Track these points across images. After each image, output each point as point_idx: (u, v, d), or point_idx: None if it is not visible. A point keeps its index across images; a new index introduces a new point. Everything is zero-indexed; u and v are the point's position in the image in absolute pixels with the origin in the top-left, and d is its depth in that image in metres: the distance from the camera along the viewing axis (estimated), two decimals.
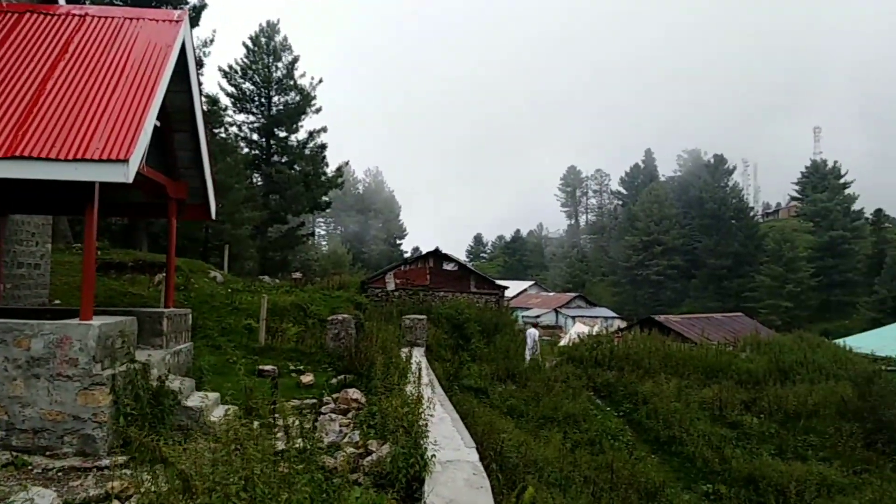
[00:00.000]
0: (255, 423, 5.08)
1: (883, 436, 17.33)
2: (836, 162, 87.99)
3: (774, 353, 25.48)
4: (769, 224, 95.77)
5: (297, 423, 5.37)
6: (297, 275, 29.14)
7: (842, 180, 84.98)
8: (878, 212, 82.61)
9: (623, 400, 18.15)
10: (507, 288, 27.31)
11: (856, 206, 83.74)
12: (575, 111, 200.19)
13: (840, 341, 35.20)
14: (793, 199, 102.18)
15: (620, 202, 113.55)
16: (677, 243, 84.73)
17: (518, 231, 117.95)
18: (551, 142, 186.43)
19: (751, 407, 18.77)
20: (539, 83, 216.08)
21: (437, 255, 25.13)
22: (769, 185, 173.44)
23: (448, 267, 24.68)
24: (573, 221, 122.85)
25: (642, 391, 18.09)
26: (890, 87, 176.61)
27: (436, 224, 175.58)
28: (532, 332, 21.88)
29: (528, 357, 21.73)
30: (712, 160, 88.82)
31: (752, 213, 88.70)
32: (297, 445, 4.86)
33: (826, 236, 76.88)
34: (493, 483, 6.56)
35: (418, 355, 13.85)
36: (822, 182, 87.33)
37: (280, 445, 5.12)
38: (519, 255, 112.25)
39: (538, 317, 58.38)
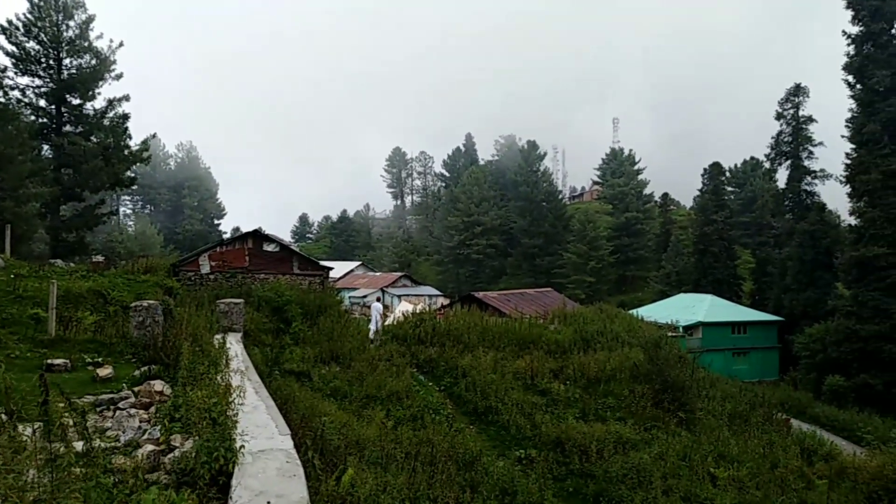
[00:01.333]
0: (23, 428, 4.36)
1: (668, 395, 19.31)
2: (630, 150, 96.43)
3: (579, 325, 27.11)
4: (575, 206, 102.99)
5: (74, 423, 4.67)
6: (99, 258, 26.32)
7: (636, 166, 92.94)
8: (665, 195, 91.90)
9: (444, 375, 18.56)
10: (332, 269, 26.75)
11: (647, 190, 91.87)
12: (401, 94, 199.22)
13: (634, 311, 38.47)
14: (595, 183, 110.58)
15: (444, 184, 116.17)
16: (495, 224, 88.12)
17: (345, 211, 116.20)
18: (379, 124, 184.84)
19: (559, 375, 20.04)
20: (367, 64, 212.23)
21: (257, 236, 24.00)
22: (576, 169, 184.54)
23: (269, 248, 23.65)
24: (399, 202, 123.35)
25: (462, 365, 18.61)
26: (676, 86, 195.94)
27: (260, 204, 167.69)
28: (376, 307, 21.75)
29: (372, 331, 22.10)
30: (526, 146, 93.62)
31: (560, 197, 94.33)
32: (77, 449, 4.21)
33: (622, 217, 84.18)
34: (310, 469, 6.27)
35: (234, 341, 13.08)
36: (619, 168, 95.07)
37: (63, 449, 4.43)
38: (346, 235, 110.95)
39: (365, 297, 58.29)
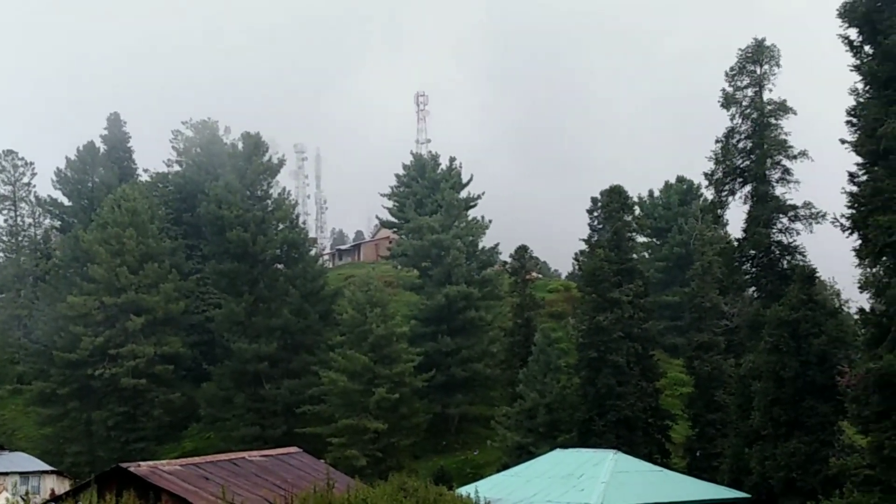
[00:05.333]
0: None
1: None
2: (453, 158, 69.69)
3: None
4: (345, 272, 77.03)
5: None
6: None
7: (464, 192, 67.10)
8: (523, 251, 57.01)
9: None
10: None
11: (487, 242, 64.96)
12: None
13: (466, 491, 25.70)
14: (383, 224, 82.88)
15: (56, 222, 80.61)
16: (173, 310, 60.62)
17: None
18: None
19: None
20: None
21: None
22: (345, 193, 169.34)
23: None
24: None
25: None
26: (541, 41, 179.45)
27: None
28: None
29: None
30: (241, 144, 71.04)
31: (315, 252, 69.69)
32: None
33: (440, 296, 55.60)
34: None
35: None
36: (430, 194, 66.63)
37: None
38: None
39: None
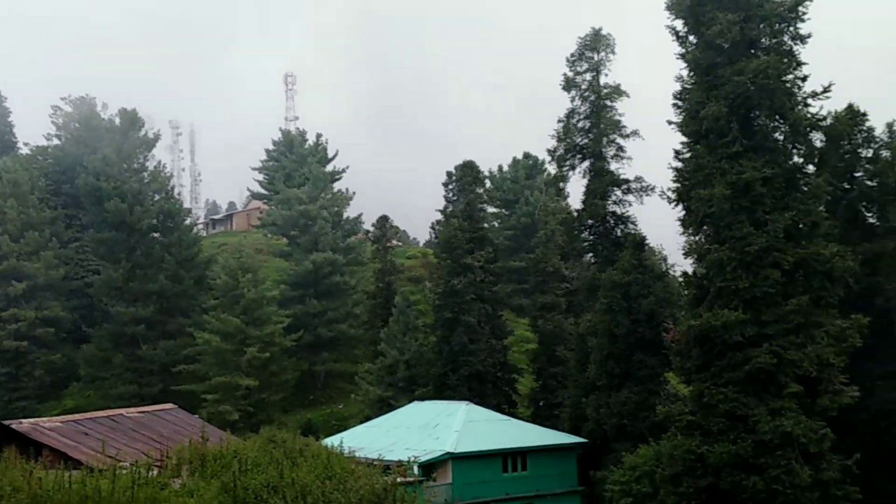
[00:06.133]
0: None
1: None
2: (320, 135, 73.66)
3: (232, 476, 16.96)
4: (219, 240, 79.22)
5: None
6: None
7: (329, 166, 70.81)
8: (384, 221, 62.12)
9: None
10: None
11: (352, 212, 68.61)
12: None
13: (332, 441, 26.38)
14: (254, 196, 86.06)
15: None
16: (54, 276, 61.91)
17: None
18: None
19: None
20: None
21: None
22: (218, 168, 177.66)
23: None
24: None
25: None
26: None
27: None
28: None
29: None
30: (118, 119, 64.66)
31: (190, 221, 69.39)
32: None
33: (308, 262, 59.16)
34: None
35: None
36: (299, 168, 69.17)
37: None
38: None
39: None
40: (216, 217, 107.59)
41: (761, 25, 32.63)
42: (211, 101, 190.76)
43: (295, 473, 18.03)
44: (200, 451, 20.61)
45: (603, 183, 45.14)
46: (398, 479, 20.46)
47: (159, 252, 58.41)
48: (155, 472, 18.49)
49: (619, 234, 44.89)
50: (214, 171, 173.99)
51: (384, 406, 45.67)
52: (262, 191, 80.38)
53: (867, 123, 36.75)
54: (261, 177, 79.39)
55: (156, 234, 60.62)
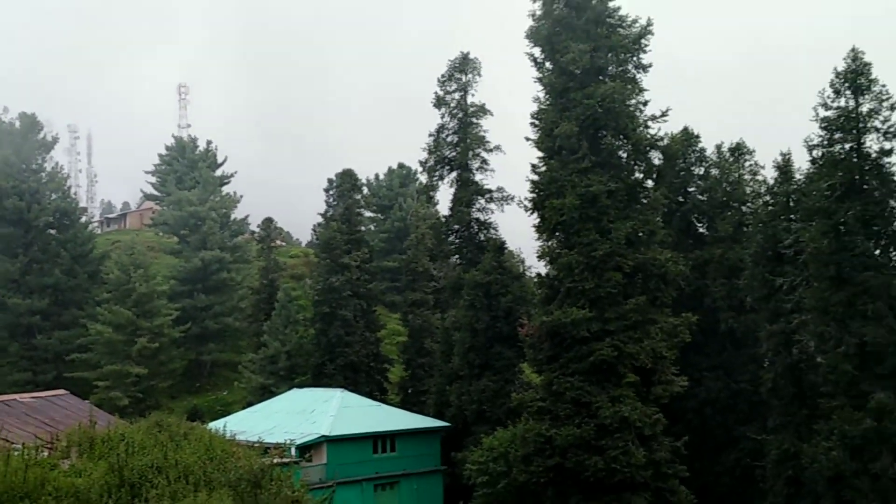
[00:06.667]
0: None
1: None
2: (210, 142, 76.39)
3: (119, 457, 17.37)
4: (112, 237, 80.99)
5: None
6: None
7: (219, 171, 73.52)
8: (269, 223, 64.98)
9: None
10: None
11: (238, 213, 71.36)
12: None
13: (216, 425, 27.40)
14: (147, 197, 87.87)
15: None
16: None
17: None
18: None
19: None
20: None
21: None
22: (114, 170, 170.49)
23: None
24: None
25: None
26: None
27: None
28: None
29: None
30: (18, 123, 64.25)
31: (85, 220, 70.71)
32: None
33: (196, 259, 62.23)
34: None
35: None
36: (190, 172, 71.87)
37: None
38: None
39: None
40: (111, 216, 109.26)
41: (609, 55, 35.45)
42: (109, 108, 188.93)
43: (178, 455, 18.46)
44: (89, 434, 20.53)
45: (468, 192, 48.34)
46: (275, 461, 21.27)
47: (55, 248, 59.12)
48: (46, 454, 18.39)
49: (482, 238, 48.10)
50: (110, 173, 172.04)
51: (266, 393, 47.48)
52: (155, 192, 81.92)
53: (699, 144, 41.18)
54: (154, 179, 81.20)
55: (52, 231, 61.24)
